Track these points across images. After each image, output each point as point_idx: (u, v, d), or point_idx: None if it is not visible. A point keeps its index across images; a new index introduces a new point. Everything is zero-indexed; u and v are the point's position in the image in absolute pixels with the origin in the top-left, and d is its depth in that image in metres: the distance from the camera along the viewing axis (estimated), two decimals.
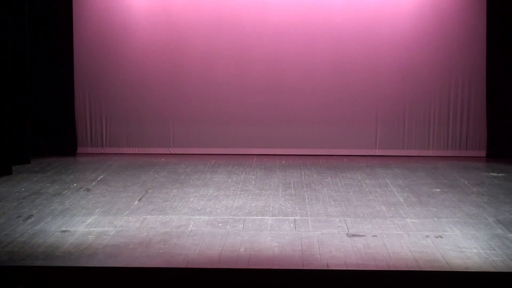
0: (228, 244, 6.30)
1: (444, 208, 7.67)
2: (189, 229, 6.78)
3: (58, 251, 6.09)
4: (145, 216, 7.25)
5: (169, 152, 11.22)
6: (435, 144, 11.15)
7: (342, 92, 11.13)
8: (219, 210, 7.57)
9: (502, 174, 9.59)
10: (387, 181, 9.14)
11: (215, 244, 6.28)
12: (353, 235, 6.58)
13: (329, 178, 9.36)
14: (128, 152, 11.21)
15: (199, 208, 7.62)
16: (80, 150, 11.25)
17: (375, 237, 6.51)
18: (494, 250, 6.14)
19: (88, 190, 8.52)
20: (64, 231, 6.67)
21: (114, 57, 11.17)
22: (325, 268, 5.72)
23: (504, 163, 10.41)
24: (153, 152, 11.17)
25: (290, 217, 7.26)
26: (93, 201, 7.92)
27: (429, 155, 11.07)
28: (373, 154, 11.12)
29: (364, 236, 6.56)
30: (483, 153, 11.05)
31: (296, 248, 6.18)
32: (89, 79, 11.18)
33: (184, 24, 11.08)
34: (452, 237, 6.51)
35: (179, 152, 11.21)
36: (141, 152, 11.18)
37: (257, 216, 7.32)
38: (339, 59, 11.07)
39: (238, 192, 8.45)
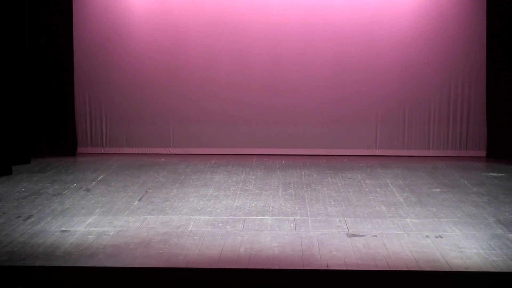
0: (228, 244, 6.30)
1: (444, 208, 7.66)
2: (189, 229, 6.78)
3: (58, 251, 6.09)
4: (145, 216, 7.25)
5: (169, 152, 11.22)
6: (435, 144, 11.15)
7: (342, 92, 11.13)
8: (219, 210, 7.57)
9: (502, 174, 9.59)
10: (387, 181, 9.14)
11: (215, 244, 6.27)
12: (353, 235, 6.58)
13: (329, 178, 9.35)
14: (128, 152, 11.21)
15: (199, 208, 7.62)
16: (80, 150, 11.25)
17: (375, 237, 6.51)
18: (494, 250, 6.13)
19: (88, 190, 8.52)
20: (64, 231, 6.67)
21: (114, 57, 11.17)
22: (325, 268, 5.71)
23: (504, 163, 10.40)
24: (153, 152, 11.17)
25: (290, 217, 7.25)
26: (93, 201, 7.91)
27: (429, 155, 11.06)
28: (373, 154, 11.11)
29: (364, 236, 6.56)
30: (483, 153, 11.04)
31: (296, 248, 6.18)
32: (89, 79, 11.18)
33: (184, 24, 11.08)
34: (452, 237, 6.51)
35: (179, 152, 11.21)
36: (141, 152, 11.18)
37: (257, 216, 7.32)
38: (339, 59, 11.07)
39: (238, 192, 8.44)
